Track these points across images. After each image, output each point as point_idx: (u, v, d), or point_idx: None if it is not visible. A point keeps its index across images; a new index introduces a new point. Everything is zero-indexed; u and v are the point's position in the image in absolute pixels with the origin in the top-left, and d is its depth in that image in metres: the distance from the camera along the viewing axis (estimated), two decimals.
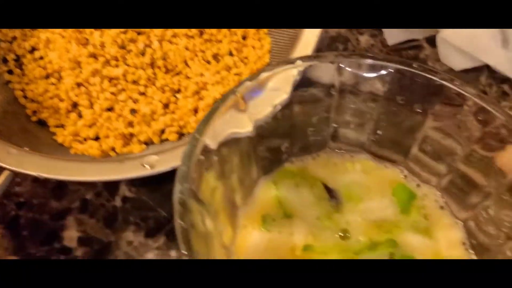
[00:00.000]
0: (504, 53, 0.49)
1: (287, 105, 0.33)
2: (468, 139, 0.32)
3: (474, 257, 0.33)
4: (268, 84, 0.32)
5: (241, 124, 0.32)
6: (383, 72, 0.33)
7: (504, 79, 0.51)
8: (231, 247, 0.32)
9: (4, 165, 0.35)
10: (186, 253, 0.24)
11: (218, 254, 0.30)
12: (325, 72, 0.33)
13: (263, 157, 0.35)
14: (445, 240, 0.34)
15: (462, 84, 0.31)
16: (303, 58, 0.32)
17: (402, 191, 0.35)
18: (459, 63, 0.51)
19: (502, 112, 0.30)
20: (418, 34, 0.54)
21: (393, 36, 0.53)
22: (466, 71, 0.52)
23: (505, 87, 0.51)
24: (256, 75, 0.31)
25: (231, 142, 0.31)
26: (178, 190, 0.26)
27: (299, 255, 0.32)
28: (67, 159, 0.36)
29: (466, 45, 0.50)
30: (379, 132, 0.36)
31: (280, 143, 0.35)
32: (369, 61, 0.32)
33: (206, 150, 0.28)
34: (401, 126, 0.35)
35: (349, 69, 0.33)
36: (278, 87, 0.32)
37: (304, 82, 0.33)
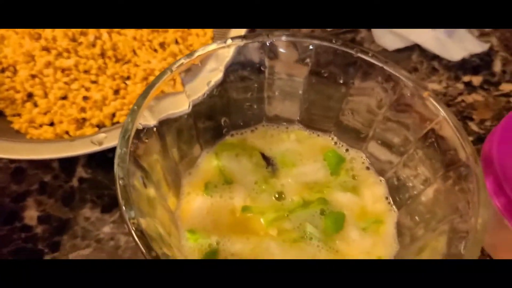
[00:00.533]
0: (431, 32, 0.54)
1: (222, 84, 0.37)
2: (383, 105, 0.36)
3: (395, 209, 0.37)
4: (204, 67, 0.35)
5: (179, 104, 0.35)
6: (307, 48, 0.36)
7: (433, 57, 0.56)
8: (176, 211, 0.35)
9: None
10: (124, 208, 0.27)
11: (162, 216, 0.33)
12: (255, 51, 0.37)
13: (204, 132, 0.38)
14: (370, 196, 0.38)
15: (374, 55, 0.35)
16: (234, 38, 0.35)
17: (332, 155, 0.39)
18: (392, 44, 0.56)
19: (405, 76, 0.34)
20: None
21: None
22: (399, 50, 0.56)
23: (435, 64, 0.56)
24: (190, 54, 0.34)
25: (171, 121, 0.34)
26: (118, 153, 0.29)
27: (238, 216, 0.36)
28: (23, 141, 0.38)
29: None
30: (309, 103, 0.40)
31: (219, 119, 0.39)
32: (293, 38, 0.36)
33: (146, 126, 0.31)
34: (328, 97, 0.39)
35: (277, 48, 0.37)
36: (213, 69, 0.36)
37: (236, 62, 0.36)
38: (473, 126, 0.51)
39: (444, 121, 0.33)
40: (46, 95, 0.44)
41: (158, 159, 0.34)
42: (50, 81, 0.44)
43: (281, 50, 0.37)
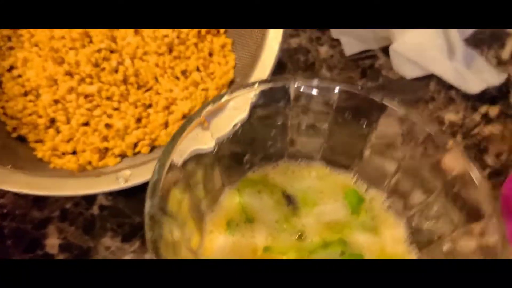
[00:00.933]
0: (449, 63, 0.54)
1: (247, 122, 0.37)
2: (410, 147, 0.37)
3: (415, 251, 0.38)
4: (229, 104, 0.36)
5: (204, 141, 0.35)
6: (331, 91, 0.37)
7: (451, 86, 0.56)
8: (198, 250, 0.36)
9: None
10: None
11: (186, 258, 0.34)
12: (280, 92, 0.37)
13: (227, 168, 0.39)
14: (389, 238, 0.38)
15: (398, 104, 0.35)
16: (260, 82, 0.36)
17: (353, 195, 0.40)
18: (410, 72, 0.56)
19: (427, 123, 0.34)
20: (373, 44, 0.58)
21: (351, 46, 0.58)
22: (417, 79, 0.56)
23: (452, 93, 0.56)
24: (217, 98, 0.34)
25: (195, 158, 0.35)
26: (148, 205, 0.29)
27: (260, 255, 0.36)
28: (47, 175, 0.39)
29: (415, 56, 0.54)
30: (331, 142, 0.40)
31: (242, 156, 0.39)
32: (318, 83, 0.36)
33: (172, 167, 0.32)
34: (350, 137, 0.39)
35: (301, 90, 0.37)
36: (238, 107, 0.36)
37: (262, 102, 0.37)
38: (489, 160, 0.51)
39: (467, 173, 0.33)
40: (68, 121, 0.45)
41: (184, 198, 0.34)
42: (73, 106, 0.45)
43: (304, 91, 0.37)
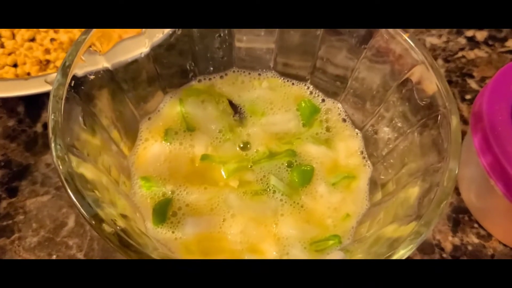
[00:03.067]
0: None
1: None
2: (361, 51, 0.33)
3: (369, 164, 0.34)
4: None
5: (138, 47, 0.32)
6: None
7: None
8: (130, 157, 0.33)
9: None
10: (53, 144, 0.25)
11: (108, 161, 0.31)
12: None
13: (168, 76, 0.36)
14: (344, 150, 0.35)
15: None
16: None
17: (306, 105, 0.36)
18: None
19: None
20: None
21: None
22: None
23: None
24: None
25: (128, 64, 0.32)
26: (55, 86, 0.26)
27: (197, 165, 0.33)
28: None
29: None
30: (284, 51, 0.36)
31: (184, 62, 0.36)
32: None
33: (97, 70, 0.29)
34: (303, 45, 0.36)
35: None
36: None
37: None
38: (473, 84, 0.47)
39: (423, 65, 0.29)
40: (13, 36, 0.42)
41: (110, 103, 0.32)
42: None
43: None
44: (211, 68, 0.37)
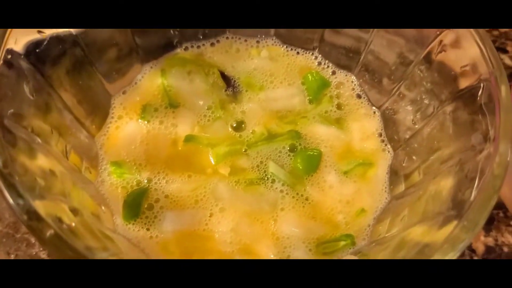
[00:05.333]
0: None
1: None
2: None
3: (389, 149, 0.28)
4: None
5: None
6: None
7: None
8: (99, 138, 0.28)
9: None
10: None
11: (77, 143, 0.25)
12: None
13: (147, 43, 0.30)
14: (359, 131, 0.29)
15: None
16: None
17: (314, 78, 0.30)
18: None
19: None
20: None
21: None
22: None
23: None
24: None
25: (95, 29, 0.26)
26: None
27: (181, 148, 0.28)
28: None
29: None
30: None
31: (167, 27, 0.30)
32: None
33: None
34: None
35: None
36: None
37: None
38: (507, 60, 0.41)
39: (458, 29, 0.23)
40: None
41: (73, 74, 0.26)
42: None
43: None
44: (199, 35, 0.31)
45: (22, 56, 0.22)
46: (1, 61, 0.21)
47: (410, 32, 0.26)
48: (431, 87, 0.26)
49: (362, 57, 0.29)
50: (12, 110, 0.20)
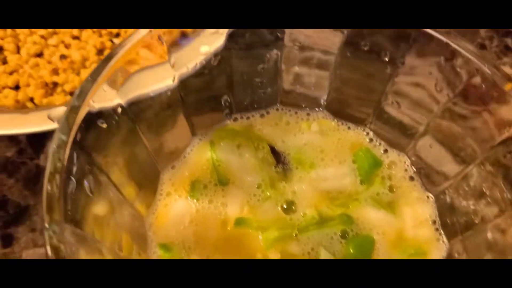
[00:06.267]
0: None
1: (223, 52, 0.27)
2: (444, 95, 0.26)
3: (444, 239, 0.27)
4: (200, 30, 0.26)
5: (160, 78, 0.26)
6: None
7: (506, 32, 0.44)
8: (148, 217, 0.27)
9: None
10: (47, 224, 0.18)
11: (128, 227, 0.25)
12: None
13: (198, 114, 0.29)
14: (411, 217, 0.28)
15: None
16: None
17: (366, 156, 0.29)
18: None
19: (479, 56, 0.24)
20: None
21: None
22: None
23: (508, 41, 0.44)
24: None
25: (147, 100, 0.25)
26: (54, 145, 0.20)
27: (230, 230, 0.27)
28: None
29: None
30: (339, 85, 0.30)
31: (218, 97, 0.29)
32: None
33: (105, 108, 0.23)
34: (367, 77, 0.29)
35: None
36: (212, 31, 0.26)
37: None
38: None
39: None
40: (18, 50, 0.36)
41: (123, 151, 0.25)
42: (25, 33, 0.36)
43: None
44: (249, 105, 0.30)
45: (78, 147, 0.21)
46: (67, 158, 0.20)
47: (481, 119, 0.25)
48: (499, 183, 0.25)
49: (419, 134, 0.29)
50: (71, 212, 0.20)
